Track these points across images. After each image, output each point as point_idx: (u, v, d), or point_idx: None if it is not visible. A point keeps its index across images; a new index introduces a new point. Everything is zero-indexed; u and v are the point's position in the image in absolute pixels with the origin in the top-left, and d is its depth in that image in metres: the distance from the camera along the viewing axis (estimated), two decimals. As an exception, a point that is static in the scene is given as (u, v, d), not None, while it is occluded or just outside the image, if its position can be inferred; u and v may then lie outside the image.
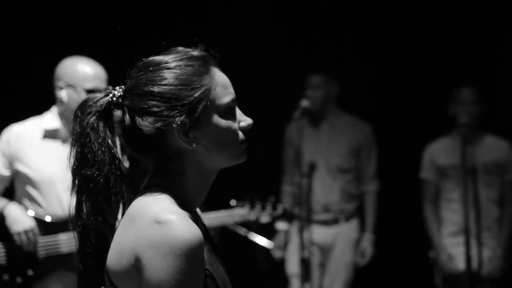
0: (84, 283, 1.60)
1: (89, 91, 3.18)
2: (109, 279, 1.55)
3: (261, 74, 5.34)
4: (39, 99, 3.51)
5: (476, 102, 4.44)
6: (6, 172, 3.40)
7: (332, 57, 5.26)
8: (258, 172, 5.45)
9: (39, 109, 3.50)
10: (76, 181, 1.59)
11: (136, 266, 1.48)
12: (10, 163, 3.39)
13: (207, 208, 4.10)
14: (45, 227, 3.31)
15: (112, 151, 1.59)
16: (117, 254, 1.52)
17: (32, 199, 3.36)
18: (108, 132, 1.60)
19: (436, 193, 4.59)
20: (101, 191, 1.57)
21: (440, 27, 5.16)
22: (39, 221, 3.32)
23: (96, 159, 1.57)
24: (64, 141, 3.39)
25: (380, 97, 5.30)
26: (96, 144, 1.58)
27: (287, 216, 4.64)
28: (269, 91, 5.38)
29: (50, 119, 3.42)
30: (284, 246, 4.84)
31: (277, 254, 4.86)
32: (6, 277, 3.29)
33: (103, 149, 1.58)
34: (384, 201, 4.94)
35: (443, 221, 4.54)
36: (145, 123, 1.55)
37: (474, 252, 4.04)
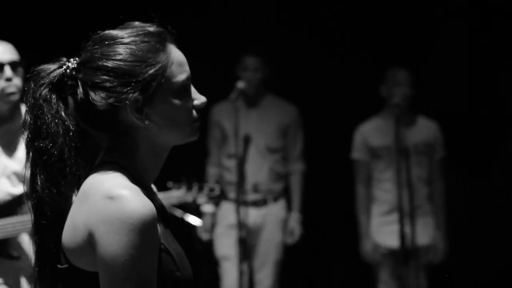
0: (41, 256, 1.59)
1: None
2: (64, 256, 1.54)
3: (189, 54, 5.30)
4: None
5: (410, 84, 4.53)
6: None
7: (262, 36, 5.28)
8: (196, 153, 5.44)
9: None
10: (30, 154, 1.57)
11: (90, 242, 1.47)
12: None
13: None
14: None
15: (66, 123, 1.57)
16: (71, 231, 1.52)
17: None
18: (61, 104, 1.58)
19: (368, 174, 4.66)
20: (56, 163, 1.55)
21: (377, 7, 5.24)
22: None
23: (49, 131, 1.55)
24: None
25: (311, 77, 5.35)
26: (49, 116, 1.56)
27: (225, 197, 4.64)
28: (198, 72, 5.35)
29: None
30: (211, 228, 4.86)
31: (204, 236, 4.88)
32: None
33: (56, 121, 1.56)
34: (314, 181, 5.03)
35: (375, 200, 4.64)
36: (98, 98, 1.53)
37: (407, 229, 4.17)
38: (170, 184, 3.96)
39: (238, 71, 4.84)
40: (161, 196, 3.86)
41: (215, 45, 5.28)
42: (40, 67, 1.61)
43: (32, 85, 1.59)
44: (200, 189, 3.95)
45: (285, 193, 4.93)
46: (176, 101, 1.58)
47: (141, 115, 1.55)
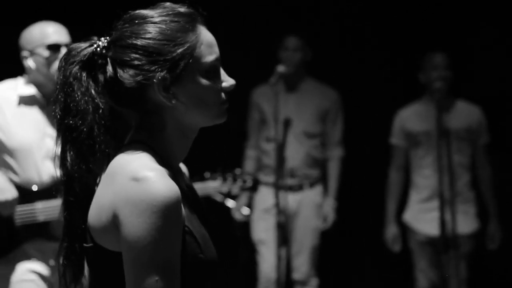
0: (70, 232, 1.60)
1: (52, 47, 3.20)
2: (90, 235, 1.55)
3: (228, 40, 5.28)
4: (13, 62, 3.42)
5: (448, 67, 4.46)
6: None
7: (303, 21, 5.24)
8: (227, 143, 5.44)
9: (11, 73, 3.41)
10: (61, 131, 1.59)
11: (114, 222, 1.48)
12: None
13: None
14: (22, 195, 3.24)
15: (96, 100, 1.58)
16: (97, 210, 1.53)
17: (7, 167, 3.25)
18: (91, 82, 1.59)
19: (405, 160, 4.63)
20: (85, 140, 1.57)
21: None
22: (18, 189, 3.25)
23: (79, 108, 1.57)
24: (41, 107, 3.31)
25: (350, 63, 5.30)
26: (79, 94, 1.58)
27: (256, 188, 4.67)
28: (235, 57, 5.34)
29: (25, 84, 3.33)
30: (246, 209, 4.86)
31: (238, 216, 4.86)
32: None
33: (86, 98, 1.57)
34: (352, 168, 4.98)
35: (414, 187, 4.59)
36: (126, 76, 1.55)
37: (447, 217, 4.11)
38: (207, 174, 4.03)
39: (279, 53, 4.79)
40: (198, 186, 3.98)
41: (258, 27, 5.24)
42: (71, 46, 1.63)
43: (63, 63, 1.60)
44: (234, 180, 4.02)
45: (323, 179, 4.88)
46: (204, 82, 1.58)
47: (168, 94, 1.56)
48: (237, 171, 4.11)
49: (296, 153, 4.77)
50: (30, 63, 3.27)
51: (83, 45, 1.62)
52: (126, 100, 1.60)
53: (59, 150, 1.60)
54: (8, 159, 3.25)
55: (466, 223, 4.41)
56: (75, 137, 1.57)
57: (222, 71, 1.63)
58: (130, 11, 1.61)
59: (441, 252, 4.17)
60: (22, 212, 3.24)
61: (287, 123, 4.59)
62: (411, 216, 4.58)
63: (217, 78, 1.61)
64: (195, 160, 4.70)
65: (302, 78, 4.87)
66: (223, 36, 5.59)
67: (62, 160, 1.59)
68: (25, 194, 3.23)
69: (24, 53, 3.29)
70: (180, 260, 1.49)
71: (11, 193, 3.19)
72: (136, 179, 1.47)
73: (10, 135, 3.24)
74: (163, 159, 1.57)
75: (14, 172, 3.25)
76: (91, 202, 1.56)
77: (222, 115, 1.64)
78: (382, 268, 5.40)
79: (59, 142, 1.60)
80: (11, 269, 3.23)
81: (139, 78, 1.54)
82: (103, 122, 1.58)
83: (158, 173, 1.48)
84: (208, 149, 5.24)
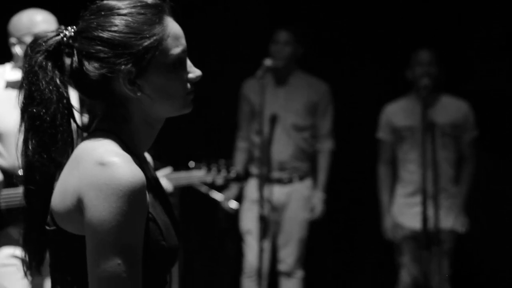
0: (29, 219, 1.62)
1: None
2: (52, 219, 1.56)
3: (219, 30, 5.29)
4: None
5: (433, 63, 4.46)
6: None
7: (295, 15, 5.23)
8: (215, 133, 5.44)
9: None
10: (24, 119, 1.59)
11: (79, 206, 1.49)
12: None
13: (163, 163, 4.11)
14: (8, 179, 3.25)
15: (60, 90, 1.58)
16: (61, 195, 1.54)
17: None
18: (56, 72, 1.59)
19: (392, 154, 4.64)
20: (47, 129, 1.57)
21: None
22: (2, 172, 3.26)
23: (43, 97, 1.57)
24: None
25: (340, 57, 5.30)
26: (43, 83, 1.57)
27: (240, 180, 4.68)
28: (223, 50, 5.34)
29: (12, 69, 3.33)
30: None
31: (226, 209, 4.87)
32: None
33: (50, 87, 1.57)
34: (340, 160, 4.98)
35: (400, 181, 4.61)
36: (91, 68, 1.55)
37: (430, 212, 4.11)
38: (192, 164, 4.05)
39: (269, 46, 4.78)
40: (182, 175, 3.98)
41: (252, 20, 5.24)
42: (38, 35, 1.63)
43: (29, 52, 1.60)
44: (219, 170, 4.04)
45: (313, 172, 4.88)
46: (170, 74, 1.59)
47: (133, 87, 1.57)
48: (221, 161, 4.13)
49: (286, 146, 4.77)
50: (17, 50, 3.28)
51: (50, 34, 1.62)
52: (91, 91, 1.61)
53: (21, 138, 1.60)
54: None
55: (449, 218, 4.41)
56: (38, 125, 1.57)
57: (188, 62, 1.64)
58: (97, 1, 1.61)
59: (423, 247, 4.17)
60: (7, 195, 3.25)
61: (273, 119, 4.60)
62: (396, 210, 4.60)
63: (183, 70, 1.61)
64: (182, 150, 4.72)
65: (292, 72, 4.86)
66: (217, 28, 5.63)
67: (24, 148, 1.59)
68: (11, 178, 3.24)
69: (12, 40, 3.29)
70: (143, 246, 1.50)
71: None
72: (102, 163, 1.48)
73: None
74: (128, 147, 1.58)
75: (0, 155, 3.27)
76: (51, 190, 1.58)
77: (188, 106, 1.65)
78: (370, 261, 5.41)
79: (22, 130, 1.60)
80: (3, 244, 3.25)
81: (104, 70, 1.54)
82: (66, 111, 1.59)
83: (123, 159, 1.50)
84: (196, 139, 5.27)
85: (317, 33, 5.23)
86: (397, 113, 4.61)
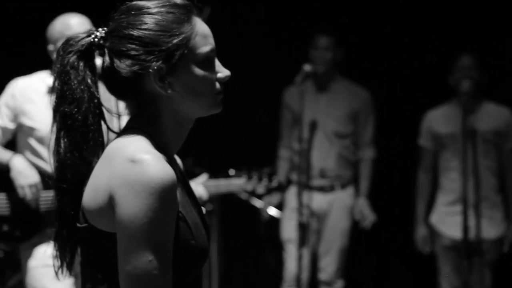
0: (60, 217, 1.64)
1: None
2: (84, 216, 1.58)
3: (261, 39, 5.30)
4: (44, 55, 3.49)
5: (475, 68, 4.39)
6: (11, 125, 3.42)
7: (335, 21, 5.22)
8: (257, 141, 5.44)
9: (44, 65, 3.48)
10: (56, 118, 1.62)
11: (110, 203, 1.51)
12: (15, 116, 3.40)
13: (205, 168, 4.13)
14: (49, 182, 3.32)
15: (91, 89, 1.62)
16: (92, 191, 1.56)
17: (35, 153, 3.40)
18: (88, 72, 1.63)
19: (434, 161, 4.58)
20: (79, 128, 1.60)
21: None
22: (42, 174, 3.34)
23: (74, 96, 1.60)
24: None
25: (382, 64, 5.26)
26: (75, 82, 1.61)
27: (282, 189, 4.67)
28: (266, 56, 5.35)
29: (52, 75, 3.40)
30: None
31: (264, 216, 4.86)
32: (5, 228, 3.33)
33: (82, 87, 1.61)
34: (383, 168, 4.94)
35: (441, 189, 4.54)
36: (123, 66, 1.58)
37: (471, 222, 4.05)
38: (232, 172, 4.06)
39: (309, 52, 4.77)
40: (222, 182, 4.01)
41: (293, 26, 5.24)
42: (70, 36, 1.66)
43: (61, 52, 1.64)
44: (260, 179, 4.04)
45: (354, 180, 4.84)
46: (199, 72, 1.61)
47: (164, 84, 1.59)
48: (264, 170, 4.12)
49: (327, 153, 4.75)
50: (54, 55, 3.34)
51: (82, 35, 1.65)
52: (122, 90, 1.64)
53: (53, 137, 1.63)
54: (38, 146, 3.38)
55: (491, 228, 4.33)
56: (70, 124, 1.60)
57: (217, 62, 1.66)
58: (126, 2, 1.64)
59: (464, 257, 4.11)
60: (47, 198, 3.33)
61: (313, 125, 4.57)
62: (437, 218, 4.54)
63: (212, 69, 1.63)
64: (223, 157, 4.72)
65: (333, 78, 4.84)
66: (260, 36, 5.63)
67: (56, 147, 1.62)
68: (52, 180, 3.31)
69: (50, 47, 3.37)
70: (173, 245, 1.52)
71: (34, 178, 3.29)
72: (133, 160, 1.50)
73: (39, 123, 3.36)
74: (159, 146, 1.60)
75: (42, 159, 3.37)
76: (82, 189, 1.60)
77: (217, 105, 1.67)
78: (410, 270, 5.34)
79: (54, 129, 1.63)
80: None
81: (135, 68, 1.57)
82: (97, 111, 1.63)
83: (154, 156, 1.52)
84: (237, 148, 5.28)
85: (357, 38, 5.20)
86: (438, 119, 4.55)
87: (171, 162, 1.61)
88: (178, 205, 1.54)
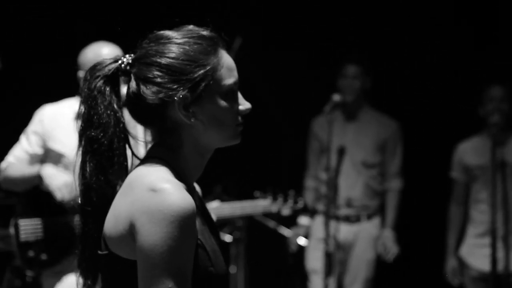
0: (84, 240, 1.66)
1: None
2: (105, 243, 1.60)
3: (289, 67, 5.32)
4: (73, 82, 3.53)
5: (505, 99, 4.35)
6: (40, 151, 3.46)
7: (363, 50, 5.22)
8: (282, 164, 5.44)
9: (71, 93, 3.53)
10: (82, 142, 1.65)
11: (131, 231, 1.53)
12: (43, 142, 3.45)
13: (233, 196, 4.13)
14: (73, 207, 3.34)
15: (117, 114, 1.65)
16: (113, 219, 1.58)
17: None
18: (114, 97, 1.66)
19: (465, 194, 4.55)
20: (105, 152, 1.63)
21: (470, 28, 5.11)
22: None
23: (101, 121, 1.63)
24: None
25: (412, 95, 5.25)
26: (102, 107, 1.64)
27: (307, 211, 4.65)
28: (297, 84, 5.37)
29: None
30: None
31: (293, 246, 4.83)
32: (31, 253, 3.36)
33: (108, 112, 1.64)
34: (411, 199, 4.90)
35: (471, 221, 4.50)
36: (149, 92, 1.60)
37: (500, 254, 4.00)
38: (257, 193, 4.05)
39: (338, 81, 4.77)
40: (247, 204, 3.99)
41: (323, 55, 5.26)
42: (98, 61, 1.70)
43: (88, 77, 1.67)
44: (285, 200, 4.02)
45: (381, 211, 4.81)
46: (223, 103, 1.65)
47: (188, 113, 1.62)
48: (290, 192, 4.10)
49: (355, 183, 4.73)
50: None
51: (109, 60, 1.69)
52: (146, 116, 1.66)
53: (79, 160, 1.66)
54: (63, 170, 3.38)
55: None
56: (96, 148, 1.63)
57: (239, 95, 1.70)
58: (155, 31, 1.68)
59: (492, 290, 4.06)
60: (72, 223, 3.35)
61: (341, 151, 4.55)
62: (466, 250, 4.50)
63: (234, 101, 1.67)
64: (249, 182, 4.69)
65: (361, 107, 4.83)
66: (289, 66, 5.63)
67: (82, 170, 1.64)
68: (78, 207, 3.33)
69: (80, 73, 3.41)
70: (192, 271, 1.53)
71: (63, 178, 3.30)
72: (154, 190, 1.52)
73: (67, 149, 3.39)
74: (179, 175, 1.62)
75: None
76: (107, 212, 1.61)
77: (237, 136, 1.70)
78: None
79: (79, 152, 1.65)
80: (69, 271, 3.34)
81: (161, 95, 1.60)
82: (123, 135, 1.65)
83: (174, 185, 1.54)
84: (265, 173, 5.28)
85: (387, 68, 5.19)
86: (469, 151, 4.52)
87: (191, 190, 1.63)
88: (197, 233, 1.56)
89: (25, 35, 4.92)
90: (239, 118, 1.68)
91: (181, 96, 1.60)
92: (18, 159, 3.47)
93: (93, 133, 1.63)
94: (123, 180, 1.63)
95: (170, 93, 1.60)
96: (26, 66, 4.91)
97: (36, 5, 4.92)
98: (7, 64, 3.99)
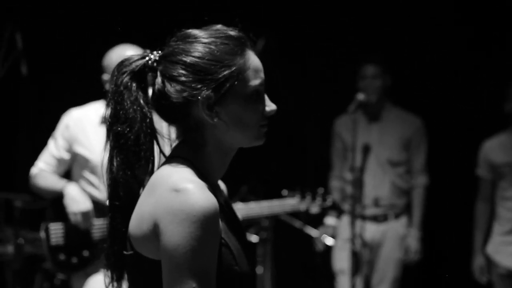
0: (112, 234, 1.67)
1: None
2: (130, 243, 1.61)
3: (314, 67, 5.32)
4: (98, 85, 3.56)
5: None
6: (66, 156, 3.50)
7: (385, 48, 5.20)
8: (310, 163, 5.43)
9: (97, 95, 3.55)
10: (109, 137, 1.65)
11: (155, 231, 1.53)
12: (70, 146, 3.47)
13: (259, 196, 4.13)
14: (101, 210, 3.37)
15: (144, 110, 1.65)
16: (138, 219, 1.58)
17: (89, 182, 3.45)
18: (140, 92, 1.66)
19: (492, 191, 4.53)
20: (131, 147, 1.63)
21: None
22: (96, 203, 3.39)
23: (127, 116, 1.64)
24: None
25: (437, 91, 5.22)
26: (128, 102, 1.64)
27: (336, 208, 4.63)
28: (322, 84, 5.36)
29: None
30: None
31: (318, 247, 4.83)
32: (62, 257, 3.38)
33: (135, 107, 1.64)
34: (437, 198, 4.88)
35: (497, 218, 4.48)
36: (173, 90, 1.61)
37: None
38: (285, 192, 4.04)
39: (358, 82, 4.77)
40: (275, 203, 3.99)
41: (345, 56, 5.26)
42: (125, 57, 1.71)
43: (116, 73, 1.68)
44: (313, 198, 4.01)
45: (408, 210, 4.79)
46: (247, 104, 1.64)
47: (211, 112, 1.62)
48: (318, 190, 4.09)
49: (381, 182, 4.72)
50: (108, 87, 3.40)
51: (136, 57, 1.69)
52: (170, 114, 1.67)
53: (106, 155, 1.67)
54: (90, 175, 3.44)
55: None
56: (123, 143, 1.64)
57: (265, 96, 1.69)
58: (183, 29, 1.68)
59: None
60: (100, 226, 3.38)
61: (366, 150, 4.54)
62: (492, 248, 4.48)
63: (259, 102, 1.67)
64: (277, 181, 4.69)
65: (384, 106, 4.82)
66: (311, 67, 5.62)
67: (109, 165, 1.66)
68: (105, 209, 3.36)
69: (104, 77, 3.43)
70: (216, 271, 1.53)
71: (86, 205, 3.35)
72: (177, 190, 1.53)
73: (92, 153, 3.41)
74: (202, 174, 1.62)
75: (96, 187, 3.41)
76: (134, 207, 1.62)
77: (260, 138, 1.70)
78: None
79: (107, 148, 1.67)
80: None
81: (185, 94, 1.61)
82: (149, 131, 1.66)
83: (197, 185, 1.54)
84: (293, 172, 5.29)
85: (410, 65, 5.17)
86: (495, 149, 4.50)
87: (214, 189, 1.63)
88: (220, 232, 1.56)
89: (50, 40, 4.96)
90: (264, 119, 1.67)
91: (204, 95, 1.60)
92: (47, 164, 3.51)
93: (119, 128, 1.63)
94: (150, 175, 1.64)
95: (194, 92, 1.60)
96: (52, 70, 4.96)
97: (60, 10, 4.96)
98: (33, 69, 4.03)
